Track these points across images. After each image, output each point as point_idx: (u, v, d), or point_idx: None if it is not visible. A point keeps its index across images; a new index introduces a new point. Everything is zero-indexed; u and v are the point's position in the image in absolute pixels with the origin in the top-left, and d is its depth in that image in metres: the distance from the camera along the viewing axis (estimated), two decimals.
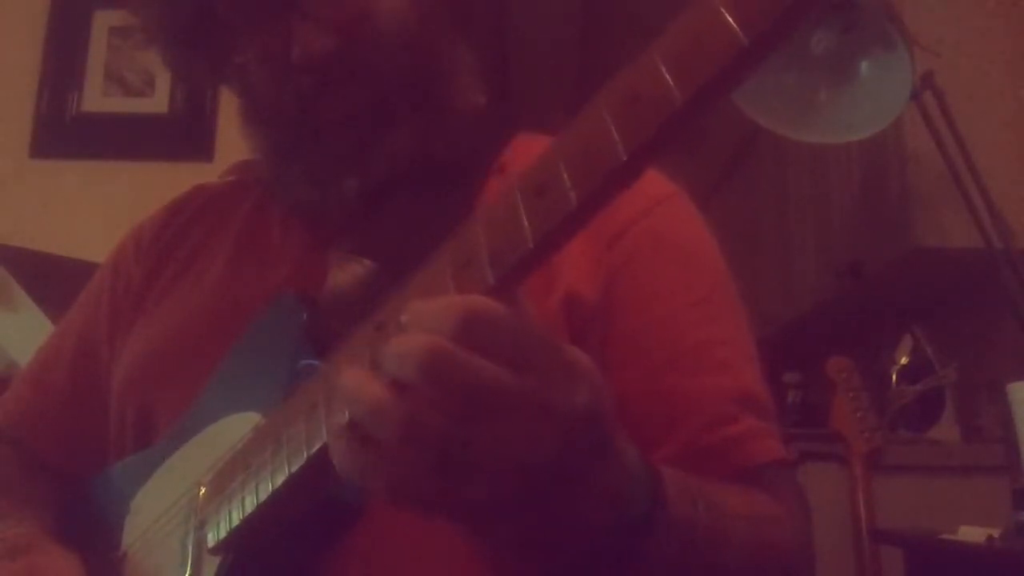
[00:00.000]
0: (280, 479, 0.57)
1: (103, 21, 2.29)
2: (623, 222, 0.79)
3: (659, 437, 0.72)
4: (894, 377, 2.42)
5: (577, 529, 0.52)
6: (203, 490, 0.69)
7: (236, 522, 0.62)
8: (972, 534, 1.60)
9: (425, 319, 0.46)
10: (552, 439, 0.47)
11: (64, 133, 2.27)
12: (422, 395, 0.45)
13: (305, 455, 0.55)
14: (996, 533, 1.57)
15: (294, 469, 0.56)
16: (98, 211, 2.14)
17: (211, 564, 0.66)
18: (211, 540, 0.65)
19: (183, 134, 2.25)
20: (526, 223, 0.44)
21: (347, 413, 0.47)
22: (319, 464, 0.54)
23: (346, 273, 0.80)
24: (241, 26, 0.80)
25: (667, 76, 0.40)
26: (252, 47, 0.80)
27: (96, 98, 2.28)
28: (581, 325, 0.75)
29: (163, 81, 2.25)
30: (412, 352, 0.44)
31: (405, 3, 0.81)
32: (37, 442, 0.93)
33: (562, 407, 0.47)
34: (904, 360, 2.42)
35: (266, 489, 0.58)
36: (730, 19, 0.38)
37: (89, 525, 0.83)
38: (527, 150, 0.85)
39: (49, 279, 1.95)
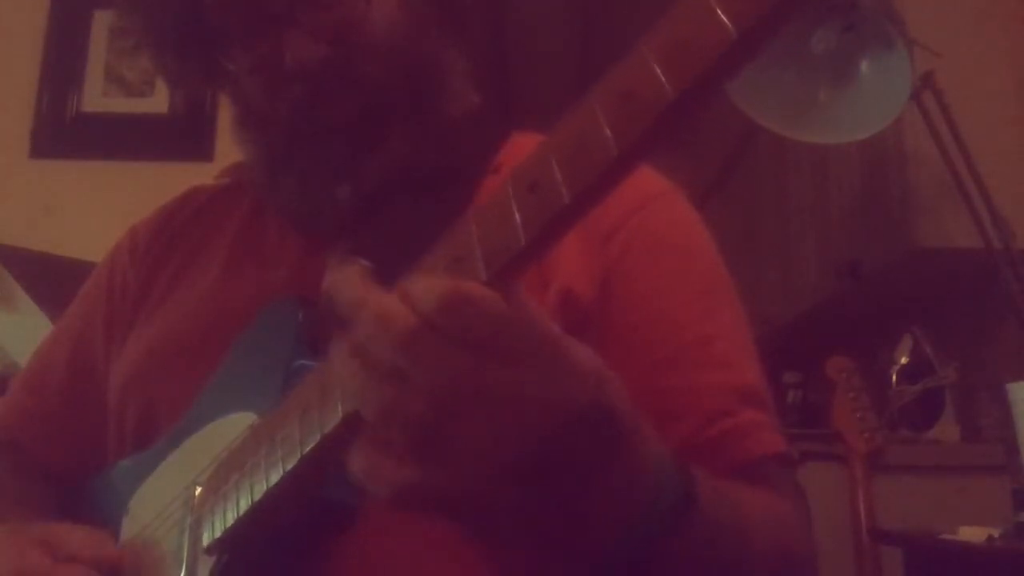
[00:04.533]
0: (274, 479, 0.57)
1: (103, 21, 2.29)
2: (617, 218, 0.78)
3: (658, 434, 0.72)
4: (894, 377, 2.42)
5: (596, 526, 0.51)
6: (199, 490, 0.69)
7: (230, 522, 0.62)
8: (972, 534, 1.60)
9: (411, 298, 0.45)
10: (539, 435, 0.46)
11: (64, 133, 2.26)
12: (402, 380, 0.45)
13: (299, 455, 0.55)
14: (996, 533, 1.57)
15: (288, 469, 0.56)
16: (98, 211, 2.13)
17: (205, 564, 0.66)
18: (206, 539, 0.65)
19: (183, 134, 2.25)
20: (518, 219, 0.44)
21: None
22: (313, 465, 0.54)
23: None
24: (233, 33, 0.79)
25: (658, 71, 0.40)
26: (244, 55, 0.80)
27: (96, 98, 2.28)
28: (577, 323, 0.75)
29: (163, 81, 2.25)
30: (388, 333, 0.44)
31: (397, 10, 0.81)
32: (34, 446, 0.93)
33: (555, 403, 0.47)
34: (904, 360, 2.42)
35: (260, 489, 0.58)
36: (720, 12, 0.38)
37: (87, 525, 0.83)
38: (523, 149, 0.85)
39: (49, 279, 1.95)
